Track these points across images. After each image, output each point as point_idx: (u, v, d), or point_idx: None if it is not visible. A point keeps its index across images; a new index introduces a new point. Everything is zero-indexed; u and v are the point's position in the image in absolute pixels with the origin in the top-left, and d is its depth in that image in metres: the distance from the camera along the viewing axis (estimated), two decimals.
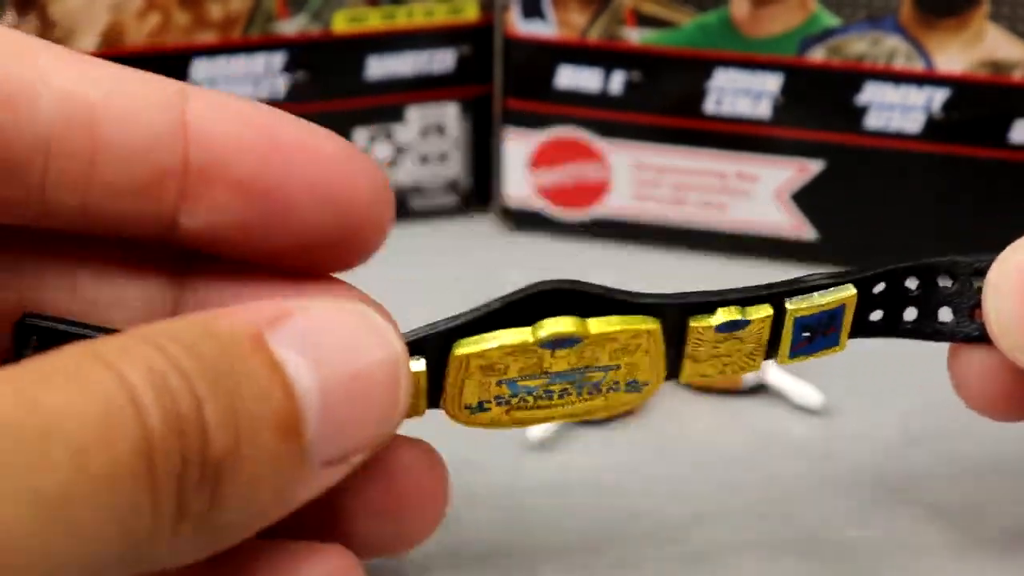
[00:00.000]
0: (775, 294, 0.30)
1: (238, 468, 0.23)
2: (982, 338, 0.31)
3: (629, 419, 0.40)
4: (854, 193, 0.48)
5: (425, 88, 0.51)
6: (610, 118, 0.49)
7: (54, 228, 0.28)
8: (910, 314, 0.32)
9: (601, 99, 0.49)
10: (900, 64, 0.46)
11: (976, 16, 0.45)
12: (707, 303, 0.29)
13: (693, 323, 0.29)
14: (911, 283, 0.32)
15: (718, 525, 0.34)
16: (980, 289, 0.31)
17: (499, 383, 0.29)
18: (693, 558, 0.33)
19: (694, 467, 0.37)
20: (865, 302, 0.31)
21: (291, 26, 0.48)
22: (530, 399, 0.29)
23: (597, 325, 0.28)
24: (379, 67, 0.50)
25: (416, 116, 0.50)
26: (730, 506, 0.35)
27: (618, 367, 0.29)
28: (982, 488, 0.36)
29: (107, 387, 0.21)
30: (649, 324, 0.29)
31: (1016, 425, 0.39)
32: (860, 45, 0.47)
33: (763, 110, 0.48)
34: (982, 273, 0.31)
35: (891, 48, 0.46)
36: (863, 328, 0.31)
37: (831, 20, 0.47)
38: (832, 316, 0.30)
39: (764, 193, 0.49)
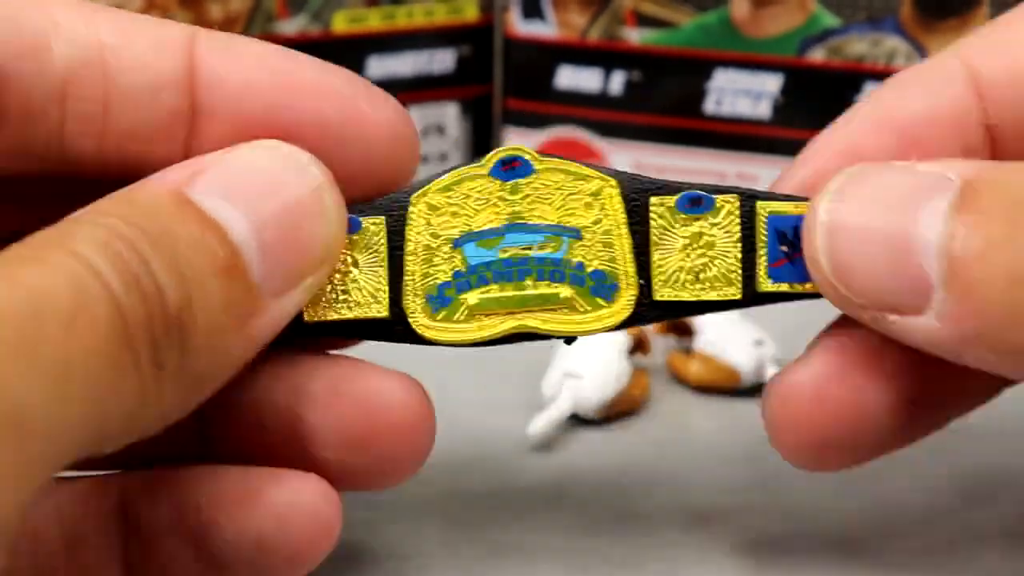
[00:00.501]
0: (744, 191, 0.29)
1: (196, 316, 0.24)
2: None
3: (629, 419, 0.40)
4: None
5: (425, 88, 0.51)
6: (610, 118, 0.49)
7: (72, 174, 0.28)
8: None
9: (601, 99, 0.49)
10: (900, 65, 0.46)
11: (976, 17, 0.45)
12: (669, 185, 0.29)
13: (654, 199, 0.29)
14: None
15: (718, 525, 0.34)
16: None
17: (454, 245, 0.29)
18: (693, 558, 0.33)
19: (694, 467, 0.37)
20: None
21: (291, 26, 0.48)
22: (489, 275, 0.29)
23: (551, 160, 0.29)
24: (379, 67, 0.50)
25: (416, 116, 0.50)
26: (730, 506, 0.35)
27: (577, 235, 0.29)
28: (982, 488, 0.36)
29: (70, 265, 0.23)
30: (608, 180, 0.29)
31: (1016, 425, 0.39)
32: (860, 46, 0.47)
33: (763, 110, 0.48)
34: None
35: (891, 49, 0.46)
36: None
37: (831, 21, 0.47)
38: None
39: None
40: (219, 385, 0.26)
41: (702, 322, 0.41)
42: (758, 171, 0.49)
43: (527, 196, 0.29)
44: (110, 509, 0.29)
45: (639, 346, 0.41)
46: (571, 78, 0.49)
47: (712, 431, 0.39)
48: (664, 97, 0.49)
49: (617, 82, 0.49)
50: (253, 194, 0.26)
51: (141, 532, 0.29)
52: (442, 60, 0.51)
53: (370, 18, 0.49)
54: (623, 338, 0.40)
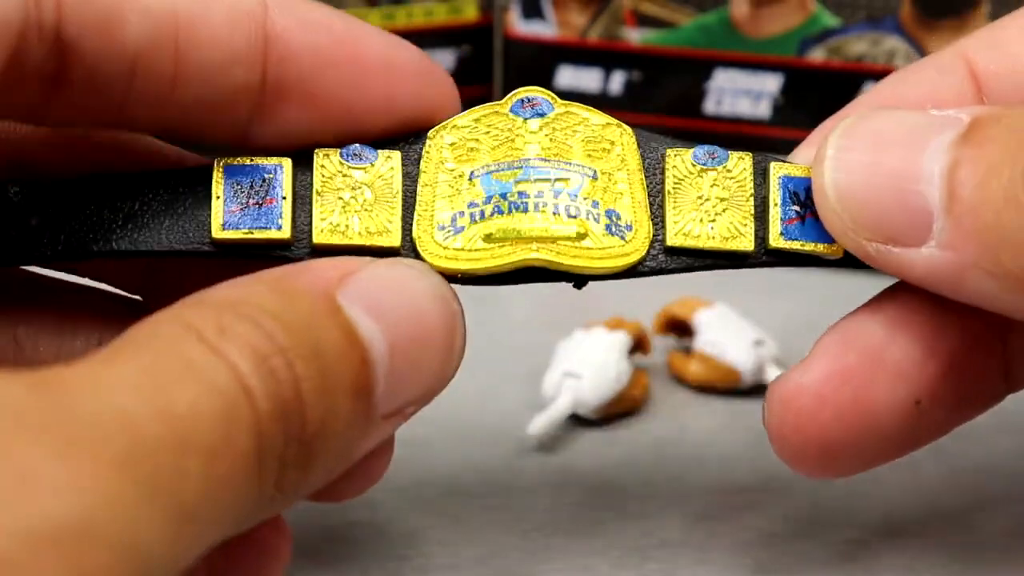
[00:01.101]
0: (756, 153, 0.30)
1: (326, 443, 0.23)
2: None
3: (629, 419, 0.40)
4: None
5: None
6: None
7: (130, 130, 0.28)
8: None
9: (601, 99, 0.49)
10: (900, 64, 0.46)
11: (976, 16, 0.45)
12: (684, 142, 0.30)
13: (670, 151, 0.29)
14: None
15: (718, 525, 0.34)
16: None
17: (470, 177, 0.29)
18: (693, 558, 0.33)
19: (694, 467, 0.37)
20: None
21: None
22: (504, 205, 0.28)
23: (571, 103, 0.29)
24: None
25: None
26: (730, 505, 0.35)
27: (595, 175, 0.29)
28: (982, 487, 0.36)
29: (223, 380, 0.22)
30: (624, 128, 0.29)
31: (1016, 425, 0.39)
32: (860, 45, 0.47)
33: (763, 110, 0.48)
34: None
35: (891, 48, 0.46)
36: None
37: (831, 20, 0.47)
38: None
39: None
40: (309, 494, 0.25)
41: (702, 322, 0.41)
42: None
43: (547, 135, 0.29)
44: None
45: (639, 346, 0.41)
46: (571, 78, 0.49)
47: (712, 431, 0.39)
48: (664, 97, 0.49)
49: (617, 82, 0.49)
50: (396, 315, 0.25)
51: None
52: (442, 60, 0.51)
53: (370, 18, 0.49)
54: (623, 338, 0.40)
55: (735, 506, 0.35)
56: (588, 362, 0.39)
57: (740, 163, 0.29)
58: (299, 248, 0.28)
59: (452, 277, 0.28)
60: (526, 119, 0.29)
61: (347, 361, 0.24)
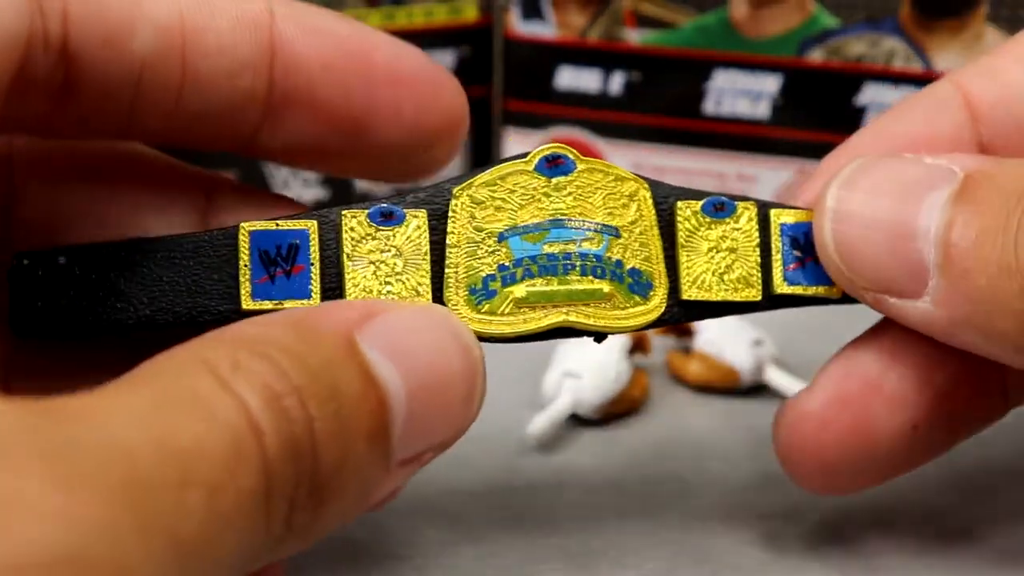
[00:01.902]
0: (758, 201, 0.31)
1: (340, 482, 0.23)
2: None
3: (629, 419, 0.40)
4: None
5: None
6: (610, 119, 0.49)
7: (138, 140, 0.28)
8: None
9: (601, 100, 0.49)
10: (899, 65, 0.47)
11: (975, 17, 0.46)
12: (688, 191, 0.30)
13: (680, 203, 0.30)
14: None
15: (718, 525, 0.34)
16: None
17: (499, 239, 0.29)
18: (693, 558, 0.33)
19: (694, 467, 0.37)
20: None
21: None
22: (535, 268, 0.29)
23: (590, 160, 0.30)
24: None
25: None
26: (730, 506, 0.35)
27: (617, 233, 0.29)
28: (981, 487, 0.36)
29: (231, 417, 0.21)
30: (641, 183, 0.30)
31: (1016, 425, 0.39)
32: (859, 46, 0.47)
33: (762, 111, 0.48)
34: None
35: (890, 49, 0.47)
36: None
37: (830, 21, 0.47)
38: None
39: (763, 194, 0.49)
40: (323, 537, 0.24)
41: (702, 322, 0.41)
42: (757, 171, 0.49)
43: (570, 193, 0.30)
44: None
45: (639, 346, 0.41)
46: (571, 78, 0.49)
47: (712, 431, 0.39)
48: (664, 97, 0.49)
49: (617, 82, 0.49)
50: (417, 360, 0.25)
51: None
52: (442, 61, 0.51)
53: (370, 19, 0.49)
54: (623, 338, 0.40)
55: (735, 506, 0.35)
56: (588, 362, 0.39)
57: (745, 213, 0.31)
58: None
59: (485, 339, 0.29)
60: (550, 178, 0.30)
61: (364, 404, 0.23)
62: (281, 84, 0.27)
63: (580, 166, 0.30)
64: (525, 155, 0.30)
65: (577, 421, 0.39)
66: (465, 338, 0.26)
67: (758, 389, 0.41)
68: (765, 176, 0.49)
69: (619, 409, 0.39)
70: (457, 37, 0.51)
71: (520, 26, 0.49)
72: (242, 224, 0.28)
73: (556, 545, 0.34)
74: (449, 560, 0.33)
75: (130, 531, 0.19)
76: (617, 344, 0.40)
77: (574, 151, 0.30)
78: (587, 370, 0.39)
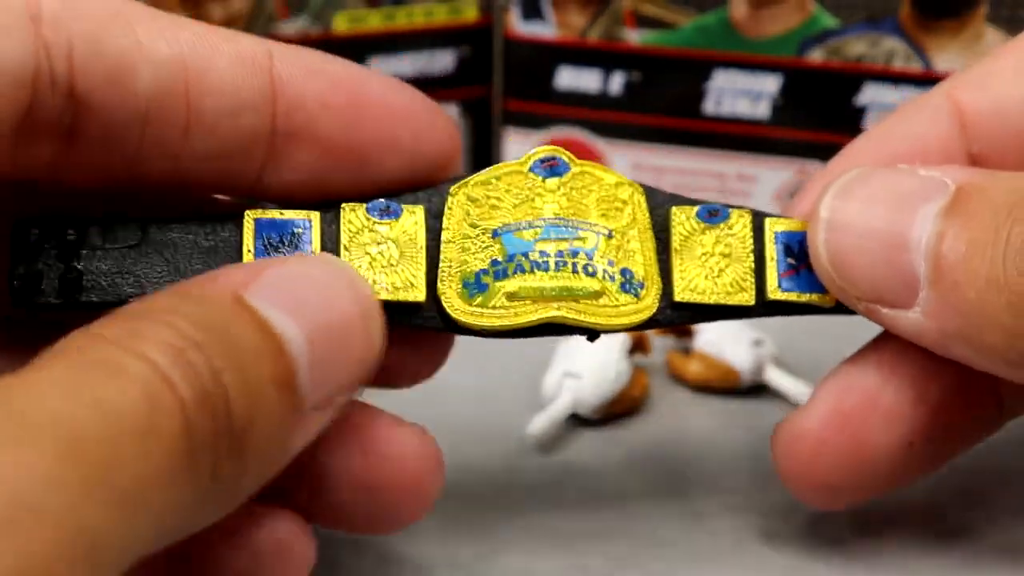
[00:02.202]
0: (753, 210, 0.31)
1: (257, 433, 0.24)
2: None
3: (629, 419, 0.40)
4: None
5: (425, 89, 0.50)
6: (610, 119, 0.49)
7: (144, 188, 0.28)
8: None
9: (601, 100, 0.49)
10: (899, 65, 0.47)
11: (975, 17, 0.46)
12: (682, 198, 0.31)
13: (675, 209, 0.31)
14: None
15: (718, 525, 0.35)
16: None
17: (493, 235, 0.30)
18: (693, 558, 0.33)
19: (694, 467, 0.37)
20: None
21: (292, 27, 0.48)
22: (526, 264, 0.29)
23: (585, 163, 0.30)
24: (379, 68, 0.50)
25: None
26: (730, 505, 0.35)
27: (609, 234, 0.30)
28: (981, 487, 0.36)
29: (142, 372, 0.22)
30: (636, 187, 0.30)
31: (1016, 426, 0.39)
32: (859, 46, 0.47)
33: (762, 111, 0.48)
34: None
35: (890, 49, 0.47)
36: None
37: (830, 21, 0.47)
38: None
39: (763, 194, 0.49)
40: (257, 492, 0.25)
41: None
42: (757, 171, 0.49)
43: (564, 195, 0.30)
44: None
45: (639, 346, 0.41)
46: (571, 79, 0.49)
47: (712, 431, 0.39)
48: (664, 97, 0.49)
49: (617, 83, 0.49)
50: (308, 306, 0.26)
51: None
52: (442, 61, 0.51)
53: (370, 19, 0.49)
54: (623, 338, 0.40)
55: (735, 506, 0.35)
56: (588, 362, 0.39)
57: (740, 220, 0.31)
58: None
59: (476, 331, 0.29)
60: (544, 179, 0.30)
61: (265, 354, 0.24)
62: (283, 122, 0.28)
63: (574, 168, 0.30)
64: (520, 157, 0.30)
65: (577, 421, 0.39)
66: (354, 280, 0.27)
67: (758, 389, 0.41)
68: (765, 176, 0.49)
69: (619, 409, 0.39)
70: (457, 37, 0.51)
71: (520, 26, 0.49)
72: (247, 212, 0.29)
73: (556, 545, 0.34)
74: (449, 560, 0.33)
75: (76, 483, 0.20)
76: (617, 344, 0.40)
77: (569, 154, 0.30)
78: (587, 370, 0.39)
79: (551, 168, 0.30)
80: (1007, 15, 0.45)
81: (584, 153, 0.50)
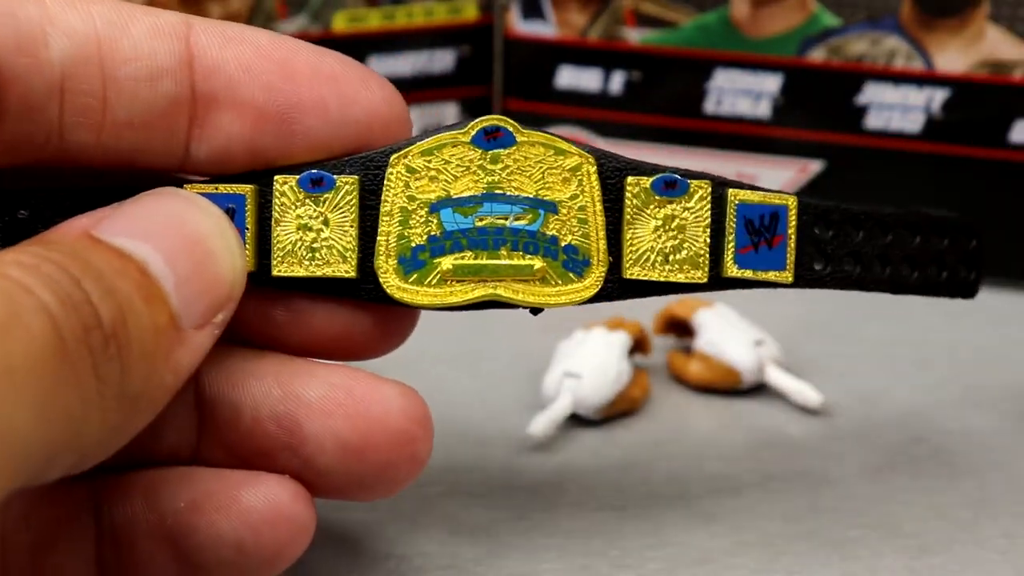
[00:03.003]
0: (715, 179, 0.30)
1: (131, 334, 0.24)
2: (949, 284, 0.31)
3: (629, 419, 0.40)
4: (854, 193, 0.48)
5: (425, 88, 0.51)
6: (610, 118, 0.49)
7: (70, 165, 0.28)
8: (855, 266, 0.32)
9: (601, 99, 0.49)
10: (900, 64, 0.46)
11: (976, 16, 0.45)
12: (643, 166, 0.30)
13: (630, 179, 0.30)
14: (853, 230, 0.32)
15: (718, 525, 0.34)
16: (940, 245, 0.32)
17: (431, 210, 0.29)
18: (693, 558, 0.33)
19: (694, 467, 0.37)
20: (808, 232, 0.31)
21: (291, 26, 0.48)
22: (464, 241, 0.29)
23: (532, 133, 0.30)
24: (379, 67, 0.50)
25: (416, 116, 0.50)
26: (730, 506, 0.35)
27: (554, 209, 0.29)
28: (981, 488, 0.36)
29: (3, 285, 0.23)
30: (587, 156, 0.30)
31: (1017, 425, 0.39)
32: (860, 45, 0.47)
33: (763, 110, 0.48)
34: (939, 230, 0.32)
35: (891, 48, 0.46)
36: (809, 268, 0.31)
37: (831, 20, 0.47)
38: (775, 216, 0.30)
39: None
40: (155, 413, 0.26)
41: (702, 322, 0.41)
42: (758, 171, 0.49)
43: (507, 167, 0.29)
44: (81, 511, 0.29)
45: (639, 346, 0.41)
46: (571, 78, 0.49)
47: (712, 431, 0.39)
48: (664, 97, 0.49)
49: (617, 82, 0.49)
50: (159, 230, 0.26)
51: (115, 534, 0.29)
52: (442, 60, 0.51)
53: (370, 18, 0.49)
54: (623, 338, 0.40)
55: (735, 506, 0.35)
56: (588, 362, 0.39)
57: (699, 191, 0.30)
58: (261, 279, 0.29)
59: (412, 307, 0.29)
60: (487, 151, 0.29)
61: (126, 273, 0.25)
62: (203, 86, 0.28)
63: (520, 139, 0.29)
64: (464, 124, 0.29)
65: (577, 421, 0.39)
66: (197, 200, 0.27)
67: (759, 389, 0.41)
68: (766, 175, 0.49)
69: (619, 409, 0.39)
70: (457, 36, 0.50)
71: (520, 25, 0.49)
72: (185, 186, 0.29)
73: (556, 545, 0.34)
74: (449, 560, 0.33)
75: None
76: (617, 344, 0.39)
77: (515, 124, 0.30)
78: (587, 370, 0.39)
79: (495, 139, 0.29)
80: (1008, 14, 0.45)
81: None
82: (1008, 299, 0.48)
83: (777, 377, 0.40)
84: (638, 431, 0.39)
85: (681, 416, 0.40)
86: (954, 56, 0.46)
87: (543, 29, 0.49)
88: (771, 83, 0.48)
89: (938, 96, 0.46)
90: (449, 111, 0.51)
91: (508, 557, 0.33)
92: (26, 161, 0.28)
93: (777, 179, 0.49)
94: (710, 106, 0.48)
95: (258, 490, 0.29)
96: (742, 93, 0.48)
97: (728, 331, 0.41)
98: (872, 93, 0.47)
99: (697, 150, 0.49)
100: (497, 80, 0.52)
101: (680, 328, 0.43)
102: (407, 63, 0.50)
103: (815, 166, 0.48)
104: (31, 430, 0.22)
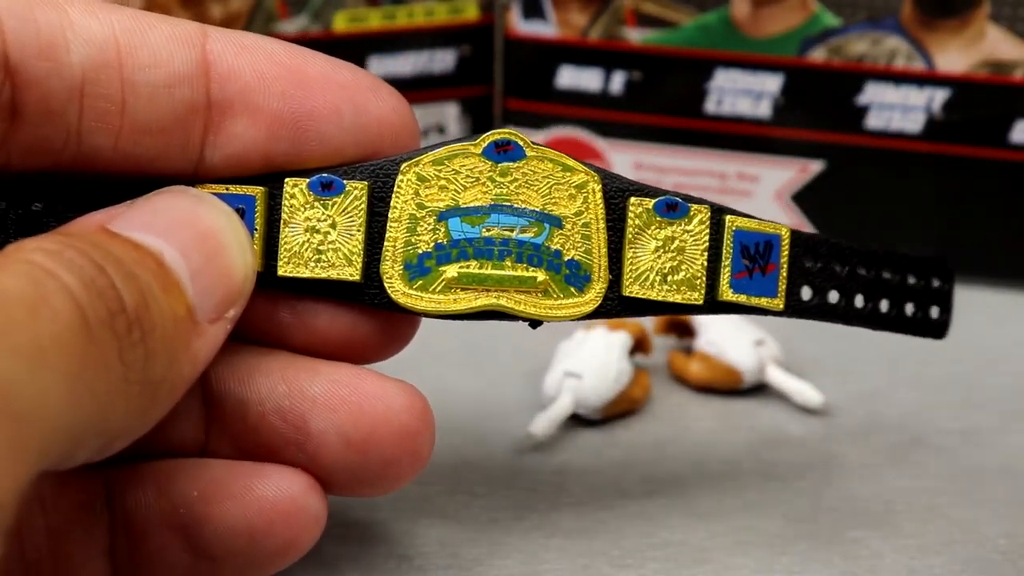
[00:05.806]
0: (714, 205, 0.31)
1: (154, 322, 0.25)
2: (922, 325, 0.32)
3: (630, 419, 0.40)
4: (854, 193, 0.48)
5: (425, 88, 0.51)
6: (610, 118, 0.49)
7: (88, 170, 0.29)
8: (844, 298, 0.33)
9: (601, 99, 0.49)
10: (900, 64, 0.46)
11: (977, 16, 0.45)
12: (646, 188, 0.30)
13: (633, 200, 0.30)
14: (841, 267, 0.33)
15: (718, 524, 0.34)
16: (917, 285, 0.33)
17: (439, 218, 0.29)
18: (693, 558, 0.33)
19: (694, 467, 0.37)
20: (800, 264, 0.32)
21: (292, 26, 0.48)
22: (470, 250, 0.30)
23: (542, 149, 0.30)
24: (379, 67, 0.50)
25: (417, 116, 0.50)
26: (730, 506, 0.35)
27: (559, 223, 0.30)
28: (982, 488, 0.36)
29: (25, 268, 0.23)
30: (592, 175, 0.30)
31: (1017, 425, 0.39)
32: (860, 45, 0.47)
33: (763, 110, 0.48)
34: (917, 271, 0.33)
35: (891, 48, 0.46)
36: (798, 298, 0.32)
37: (832, 20, 0.47)
38: (768, 245, 0.31)
39: (765, 193, 0.49)
40: (174, 402, 0.26)
41: (703, 322, 0.41)
42: (758, 171, 0.49)
43: (515, 180, 0.30)
44: (95, 500, 0.29)
45: (640, 346, 0.41)
46: (571, 78, 0.49)
47: (712, 431, 0.39)
48: (664, 97, 0.49)
49: (617, 82, 0.49)
50: (172, 226, 0.27)
51: (128, 524, 0.29)
52: (442, 60, 0.51)
53: (370, 18, 0.49)
54: (624, 338, 0.40)
55: (735, 506, 0.35)
56: (589, 362, 0.39)
57: (698, 215, 0.31)
58: (266, 280, 0.29)
59: (415, 313, 0.30)
60: (497, 163, 0.30)
61: (145, 264, 0.25)
62: (218, 92, 0.28)
63: (529, 153, 0.30)
64: (475, 136, 0.30)
65: (577, 421, 0.39)
66: (208, 198, 0.28)
67: (759, 389, 0.41)
68: (766, 175, 0.49)
69: (620, 409, 0.39)
70: (458, 36, 0.50)
71: (521, 25, 0.49)
72: (197, 186, 0.29)
73: (556, 545, 0.34)
74: (449, 560, 0.33)
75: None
76: (618, 344, 0.39)
77: (524, 138, 0.30)
78: (588, 370, 0.39)
79: (505, 153, 0.30)
80: (1009, 14, 0.45)
81: (585, 152, 0.50)
82: (1008, 299, 0.48)
83: (778, 377, 0.40)
84: (639, 431, 0.39)
85: (682, 416, 0.40)
86: (955, 56, 0.46)
87: (544, 29, 0.49)
88: (772, 83, 0.48)
89: (939, 96, 0.46)
90: (449, 111, 0.51)
91: (508, 557, 0.33)
92: (43, 165, 0.28)
93: (777, 179, 0.49)
94: (711, 106, 0.48)
95: (271, 481, 0.29)
96: (742, 93, 0.48)
97: (729, 331, 0.41)
98: (873, 93, 0.47)
99: (697, 150, 0.49)
100: (498, 80, 0.52)
101: (681, 328, 0.43)
102: (408, 63, 0.50)
103: (815, 166, 0.48)
104: (62, 410, 0.22)
